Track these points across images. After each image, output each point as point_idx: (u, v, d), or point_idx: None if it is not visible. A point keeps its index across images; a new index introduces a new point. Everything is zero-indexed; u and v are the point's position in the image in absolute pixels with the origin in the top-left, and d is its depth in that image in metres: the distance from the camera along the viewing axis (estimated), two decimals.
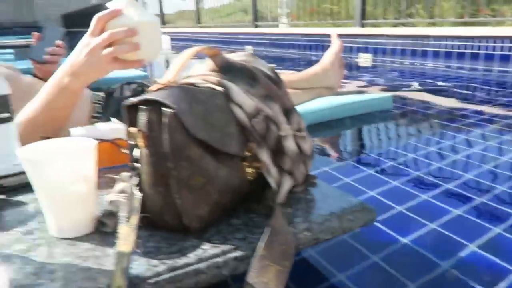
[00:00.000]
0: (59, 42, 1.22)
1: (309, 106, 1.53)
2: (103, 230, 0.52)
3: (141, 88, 1.38)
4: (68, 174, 0.48)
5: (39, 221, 0.56)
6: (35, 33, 1.23)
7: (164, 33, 8.85)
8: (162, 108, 0.46)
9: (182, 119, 0.46)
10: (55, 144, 0.52)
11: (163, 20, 9.74)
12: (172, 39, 8.39)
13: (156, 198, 0.50)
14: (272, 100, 0.59)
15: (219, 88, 0.55)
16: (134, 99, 0.48)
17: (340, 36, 1.56)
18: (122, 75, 2.96)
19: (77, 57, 0.79)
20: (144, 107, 0.48)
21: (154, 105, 0.47)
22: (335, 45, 1.55)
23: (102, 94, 1.32)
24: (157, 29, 0.77)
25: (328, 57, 1.54)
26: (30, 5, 24.87)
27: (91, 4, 16.95)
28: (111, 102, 1.28)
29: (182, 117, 0.46)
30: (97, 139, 0.75)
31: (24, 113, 0.87)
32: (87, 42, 0.77)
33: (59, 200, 0.49)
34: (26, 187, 0.67)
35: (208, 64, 0.59)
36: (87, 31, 0.78)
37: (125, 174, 0.63)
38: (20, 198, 0.65)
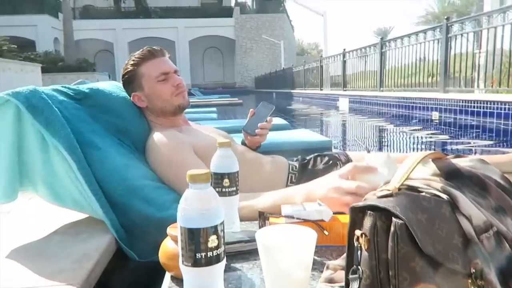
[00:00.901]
0: (269, 118, 1.40)
1: None
2: None
3: (332, 161, 1.44)
4: (294, 261, 0.53)
5: None
6: (252, 110, 1.44)
7: (344, 95, 9.13)
8: (393, 218, 0.47)
9: (411, 231, 0.46)
10: (284, 231, 0.58)
11: (345, 81, 10.05)
12: (351, 101, 8.59)
13: None
14: (505, 213, 0.54)
15: (444, 196, 0.53)
16: (361, 204, 0.50)
17: None
18: (306, 139, 3.16)
19: (319, 188, 0.85)
20: (371, 212, 0.50)
21: (381, 212, 0.49)
22: None
23: (296, 164, 1.43)
24: None
25: None
26: (231, 69, 29.57)
27: (281, 68, 19.05)
28: (305, 173, 1.37)
29: (411, 229, 0.46)
30: (303, 219, 0.81)
31: (254, 202, 0.98)
32: (335, 180, 0.81)
33: (283, 282, 0.55)
34: (239, 255, 0.77)
35: (431, 168, 0.58)
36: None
37: (333, 263, 0.66)
38: (237, 265, 0.74)
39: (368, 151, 0.81)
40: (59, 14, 21.72)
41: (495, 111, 4.29)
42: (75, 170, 1.01)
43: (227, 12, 28.22)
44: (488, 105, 4.40)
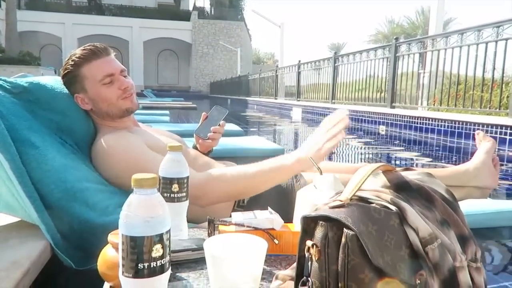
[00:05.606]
0: (222, 122, 1.37)
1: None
2: None
3: None
4: (243, 273, 0.51)
5: None
6: (204, 113, 1.41)
7: (298, 105, 9.31)
8: (345, 229, 0.47)
9: (362, 243, 0.46)
10: (234, 241, 0.56)
11: (299, 91, 10.25)
12: (303, 112, 8.77)
13: None
14: (449, 226, 0.55)
15: (393, 207, 0.54)
16: (313, 214, 0.49)
17: (489, 125, 1.45)
18: (259, 146, 3.17)
19: (315, 143, 1.04)
20: (322, 222, 0.49)
21: (333, 222, 0.48)
22: (487, 144, 1.45)
23: None
24: None
25: (479, 155, 1.43)
26: (186, 73, 29.20)
27: (237, 75, 19.09)
28: None
29: (362, 241, 0.46)
30: (253, 227, 0.79)
31: (236, 171, 1.05)
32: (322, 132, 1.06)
33: None
34: (186, 264, 0.74)
35: (381, 179, 0.58)
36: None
37: (282, 273, 0.65)
38: (182, 274, 0.71)
39: (321, 173, 0.84)
40: (1, 3, 20.31)
41: (435, 127, 4.57)
42: (7, 170, 0.92)
43: (184, 16, 27.89)
44: (430, 122, 4.68)
